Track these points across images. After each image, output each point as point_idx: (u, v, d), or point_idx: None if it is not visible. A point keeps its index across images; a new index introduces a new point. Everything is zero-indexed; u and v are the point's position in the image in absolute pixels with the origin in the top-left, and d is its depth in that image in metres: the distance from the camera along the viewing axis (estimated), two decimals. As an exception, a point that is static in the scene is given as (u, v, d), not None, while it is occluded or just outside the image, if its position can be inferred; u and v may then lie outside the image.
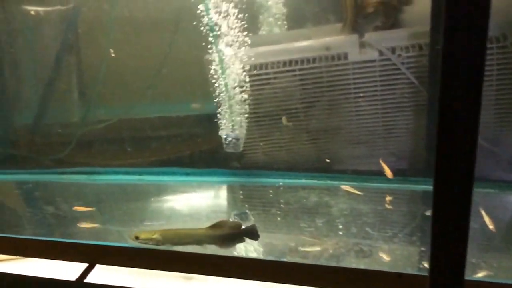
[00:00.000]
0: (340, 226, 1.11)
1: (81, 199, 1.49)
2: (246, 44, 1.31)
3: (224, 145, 1.37)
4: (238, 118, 1.37)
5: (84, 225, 1.30)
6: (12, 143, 1.75)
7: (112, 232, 1.29)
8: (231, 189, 1.49)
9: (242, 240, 1.07)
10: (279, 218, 1.24)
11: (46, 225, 1.35)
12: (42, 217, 1.39)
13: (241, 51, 1.31)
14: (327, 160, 1.36)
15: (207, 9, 1.23)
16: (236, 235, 1.08)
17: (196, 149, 1.53)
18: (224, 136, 1.36)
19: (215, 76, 1.37)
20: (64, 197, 1.52)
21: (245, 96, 1.35)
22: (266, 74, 1.33)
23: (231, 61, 1.32)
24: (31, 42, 1.68)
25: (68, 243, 1.24)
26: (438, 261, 0.58)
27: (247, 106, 1.36)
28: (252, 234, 1.07)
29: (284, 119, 1.35)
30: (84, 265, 1.21)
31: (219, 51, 1.31)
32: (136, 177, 1.54)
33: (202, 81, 1.44)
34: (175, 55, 1.50)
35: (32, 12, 1.60)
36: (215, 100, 1.40)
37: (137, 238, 1.15)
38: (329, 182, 1.35)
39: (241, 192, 1.48)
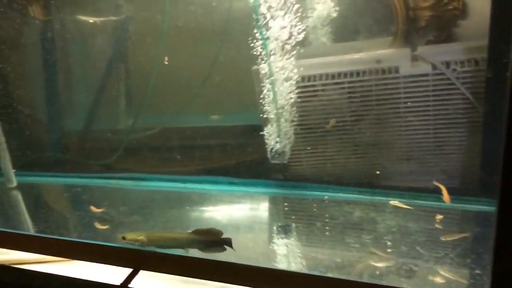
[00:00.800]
0: (388, 243, 1.07)
1: (127, 204, 1.52)
2: (295, 55, 1.30)
3: (270, 156, 1.37)
4: (285, 129, 1.36)
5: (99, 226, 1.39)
6: (62, 147, 1.80)
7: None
8: (274, 201, 1.48)
9: (222, 247, 1.13)
10: (323, 232, 1.22)
11: (93, 229, 1.38)
12: (89, 220, 1.41)
13: (289, 62, 1.31)
14: (377, 172, 1.33)
15: (258, 20, 1.23)
16: (216, 242, 1.15)
17: (241, 159, 1.53)
18: (270, 147, 1.35)
19: (263, 87, 1.37)
20: (111, 201, 1.55)
21: (292, 107, 1.34)
22: (314, 86, 1.32)
23: (280, 72, 1.32)
24: (83, 51, 1.72)
25: (113, 247, 1.26)
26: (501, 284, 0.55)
27: (294, 117, 1.35)
28: (228, 243, 1.13)
29: (331, 122, 1.32)
30: (128, 270, 1.23)
31: (268, 62, 1.31)
32: (181, 185, 1.56)
33: (249, 91, 1.45)
34: (222, 65, 1.51)
35: (85, 22, 1.65)
36: (261, 111, 1.40)
37: (124, 238, 1.23)
38: (376, 197, 1.32)
39: (284, 204, 1.46)
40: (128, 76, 1.71)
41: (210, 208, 1.47)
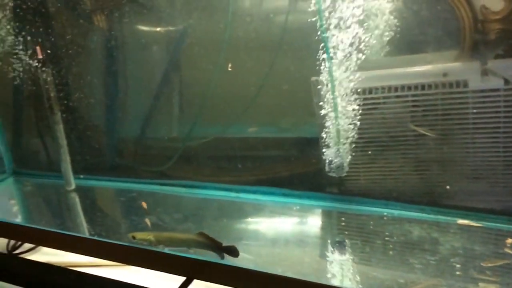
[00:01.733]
0: (454, 266, 1.02)
1: (180, 211, 1.53)
2: (357, 66, 1.27)
3: (327, 169, 1.33)
4: (343, 142, 1.33)
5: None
6: (118, 153, 1.83)
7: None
8: (329, 215, 1.45)
9: (222, 254, 1.21)
10: (382, 251, 1.17)
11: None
12: (144, 226, 1.43)
13: (351, 74, 1.27)
14: (447, 187, 1.27)
15: (323, 30, 1.20)
16: (220, 248, 1.21)
17: (295, 171, 1.50)
18: (328, 160, 1.32)
19: (322, 98, 1.34)
20: (165, 208, 1.56)
21: (352, 119, 1.31)
22: (376, 98, 1.28)
23: (340, 83, 1.29)
24: (140, 60, 1.75)
25: (167, 255, 1.26)
26: None
27: (353, 130, 1.32)
28: (232, 252, 1.20)
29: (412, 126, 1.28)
30: (181, 279, 1.23)
31: (328, 73, 1.28)
32: (234, 194, 1.55)
33: (307, 102, 1.42)
34: (280, 75, 1.49)
35: (144, 31, 1.68)
36: (318, 123, 1.37)
37: (133, 237, 1.31)
38: (439, 217, 1.26)
39: (339, 218, 1.42)
40: (183, 85, 1.72)
41: (262, 219, 1.45)
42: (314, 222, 1.43)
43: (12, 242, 1.94)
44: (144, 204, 1.57)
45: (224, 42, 1.48)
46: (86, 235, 1.43)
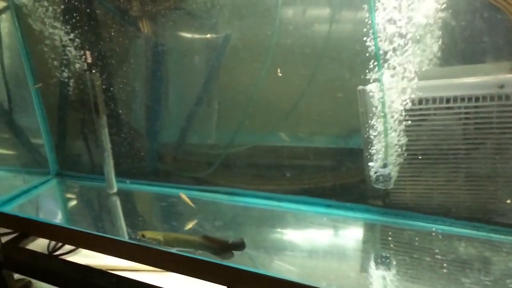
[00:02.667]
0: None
1: (221, 218, 1.52)
2: (407, 76, 1.23)
3: (373, 181, 1.30)
4: (390, 154, 1.29)
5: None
6: (158, 158, 1.84)
7: (252, 257, 1.27)
8: (373, 228, 1.41)
9: (230, 254, 1.24)
10: (431, 268, 1.13)
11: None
12: (185, 232, 1.42)
13: (401, 84, 1.24)
14: (501, 204, 1.21)
15: (375, 38, 1.18)
16: (226, 247, 1.26)
17: (339, 181, 1.47)
18: (375, 171, 1.29)
19: (369, 108, 1.31)
20: (205, 214, 1.55)
21: (400, 131, 1.27)
22: (426, 109, 1.24)
23: (389, 93, 1.25)
24: (182, 66, 1.76)
25: (207, 262, 1.25)
26: None
27: (400, 141, 1.28)
28: (238, 246, 1.25)
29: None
30: (221, 288, 1.22)
31: (377, 82, 1.25)
32: (275, 203, 1.53)
33: (351, 112, 1.40)
34: (324, 84, 1.47)
35: (187, 38, 1.69)
36: (364, 133, 1.34)
37: (143, 236, 1.35)
38: (492, 235, 1.21)
39: (384, 232, 1.38)
40: (223, 92, 1.72)
41: (304, 229, 1.43)
42: (357, 235, 1.39)
43: (53, 243, 1.97)
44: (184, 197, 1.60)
45: (269, 49, 1.47)
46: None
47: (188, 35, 1.70)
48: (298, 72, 1.51)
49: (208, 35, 1.66)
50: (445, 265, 1.14)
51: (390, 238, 1.33)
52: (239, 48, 1.60)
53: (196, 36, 1.69)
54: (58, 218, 1.70)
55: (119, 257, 1.45)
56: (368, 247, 1.32)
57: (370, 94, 1.31)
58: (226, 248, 1.26)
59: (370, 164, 1.33)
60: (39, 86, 1.77)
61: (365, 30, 1.25)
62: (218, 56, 1.67)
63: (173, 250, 1.34)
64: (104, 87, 1.70)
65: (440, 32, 1.26)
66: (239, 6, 1.55)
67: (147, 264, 1.42)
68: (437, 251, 1.20)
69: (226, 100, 1.71)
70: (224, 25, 1.61)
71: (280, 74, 1.48)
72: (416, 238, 1.29)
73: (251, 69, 1.59)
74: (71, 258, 1.84)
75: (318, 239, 1.37)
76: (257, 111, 1.61)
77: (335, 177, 1.51)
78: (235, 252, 1.24)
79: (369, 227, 1.41)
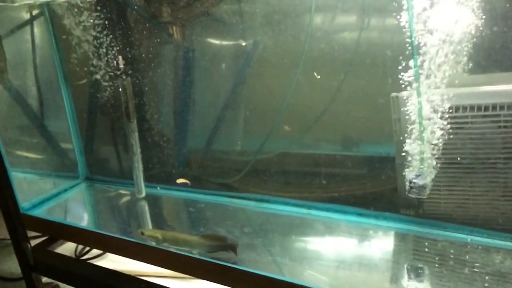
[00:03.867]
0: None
1: (249, 225, 1.50)
2: (443, 83, 1.20)
3: (407, 190, 1.27)
4: (424, 162, 1.26)
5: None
6: (186, 164, 1.84)
7: (282, 265, 1.26)
8: (404, 238, 1.38)
9: (226, 252, 1.31)
10: (468, 281, 1.09)
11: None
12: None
13: (437, 91, 1.21)
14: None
15: (412, 44, 1.15)
16: (221, 246, 1.32)
17: (369, 190, 1.44)
18: (409, 180, 1.26)
19: (402, 115, 1.28)
20: (234, 221, 1.54)
21: (435, 139, 1.24)
22: (463, 117, 1.21)
23: (424, 100, 1.23)
24: (209, 72, 1.76)
25: (238, 270, 1.24)
26: None
27: (436, 149, 1.25)
28: (233, 247, 1.31)
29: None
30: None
31: (412, 89, 1.22)
32: (305, 210, 1.51)
33: (383, 120, 1.37)
34: (354, 92, 1.45)
35: (216, 45, 1.69)
36: (397, 140, 1.32)
37: (142, 233, 1.43)
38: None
39: (417, 243, 1.35)
40: (251, 99, 1.71)
41: (334, 238, 1.40)
42: (390, 245, 1.36)
43: (80, 247, 1.99)
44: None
45: (301, 56, 1.46)
46: (154, 244, 1.43)
47: (217, 42, 1.70)
48: (328, 78, 1.50)
49: (237, 42, 1.66)
50: (483, 278, 1.10)
51: (424, 249, 1.29)
52: (269, 55, 1.60)
53: (225, 42, 1.69)
54: (86, 222, 1.71)
55: (147, 263, 1.45)
56: (401, 258, 1.28)
57: (404, 101, 1.29)
58: (223, 248, 1.32)
59: (404, 172, 1.31)
60: (83, 83, 1.79)
61: (400, 36, 1.23)
62: (246, 63, 1.67)
63: (171, 248, 1.38)
64: (134, 92, 1.71)
65: (479, 38, 1.23)
66: (269, 13, 1.55)
67: (175, 270, 1.41)
68: (473, 263, 1.16)
69: (255, 107, 1.70)
70: (254, 31, 1.60)
71: (318, 77, 1.46)
72: (451, 250, 1.25)
73: (280, 75, 1.58)
74: (98, 262, 1.86)
75: (349, 249, 1.34)
76: (285, 118, 1.60)
77: (366, 186, 1.49)
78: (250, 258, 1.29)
79: (402, 237, 1.38)
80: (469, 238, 1.27)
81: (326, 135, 1.58)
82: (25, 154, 1.87)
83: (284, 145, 1.64)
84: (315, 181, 1.57)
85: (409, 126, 1.28)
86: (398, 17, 1.20)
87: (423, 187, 1.26)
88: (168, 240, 1.39)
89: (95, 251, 1.95)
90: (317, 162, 1.60)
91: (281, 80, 1.58)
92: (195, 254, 1.33)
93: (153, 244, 1.40)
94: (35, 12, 1.81)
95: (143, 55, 1.76)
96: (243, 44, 1.65)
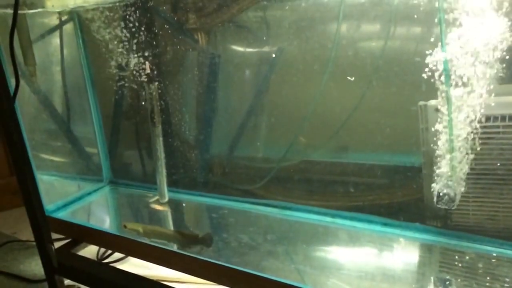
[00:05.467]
0: None
1: (272, 232, 1.49)
2: (473, 92, 1.18)
3: (436, 200, 1.24)
4: (453, 173, 1.23)
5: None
6: (209, 170, 1.84)
7: (306, 274, 1.24)
8: (430, 249, 1.35)
9: (200, 247, 1.41)
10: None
11: (240, 254, 1.36)
12: (237, 245, 1.40)
13: (467, 100, 1.18)
14: None
15: (443, 51, 1.13)
16: (194, 241, 1.42)
17: (395, 199, 1.42)
18: (438, 191, 1.23)
19: (430, 124, 1.25)
20: (257, 227, 1.53)
21: (464, 149, 1.21)
22: (494, 127, 1.18)
23: (453, 110, 1.20)
24: (233, 79, 1.76)
25: (260, 277, 1.22)
26: None
27: (465, 160, 1.22)
28: (206, 241, 1.42)
29: None
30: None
31: (442, 98, 1.20)
32: (329, 219, 1.49)
33: (409, 129, 1.35)
34: (380, 99, 1.43)
35: (240, 51, 1.69)
36: (424, 150, 1.29)
37: (125, 226, 1.51)
38: None
39: (443, 255, 1.32)
40: (274, 106, 1.70)
41: (359, 247, 1.38)
42: (416, 256, 1.33)
43: (102, 250, 1.99)
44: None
45: (327, 63, 1.45)
46: (177, 249, 1.42)
47: (241, 48, 1.70)
48: (354, 86, 1.48)
49: (261, 49, 1.66)
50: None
51: (451, 261, 1.26)
52: (293, 62, 1.59)
53: (249, 49, 1.69)
54: (109, 226, 1.71)
55: (169, 268, 1.45)
56: (427, 270, 1.26)
57: (433, 110, 1.27)
58: (195, 242, 1.42)
59: (431, 183, 1.28)
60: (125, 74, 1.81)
61: (429, 43, 1.21)
62: (271, 69, 1.66)
63: (148, 241, 1.47)
64: (159, 97, 1.72)
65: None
66: (295, 20, 1.54)
67: (198, 276, 1.40)
68: (505, 278, 1.13)
69: (278, 114, 1.69)
70: (278, 38, 1.60)
71: (352, 78, 1.44)
72: (480, 263, 1.22)
73: (304, 82, 1.57)
74: (120, 266, 1.86)
75: (373, 259, 1.32)
76: (309, 125, 1.59)
77: (391, 195, 1.46)
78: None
79: (428, 248, 1.35)
80: (499, 251, 1.24)
81: (350, 143, 1.56)
82: (51, 157, 1.89)
83: (307, 153, 1.63)
84: (339, 189, 1.55)
85: (437, 135, 1.26)
86: (428, 24, 1.19)
87: (452, 198, 1.24)
88: (148, 233, 1.48)
89: (117, 255, 1.95)
90: (341, 170, 1.58)
91: (306, 87, 1.58)
92: (172, 247, 1.43)
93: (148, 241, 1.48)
94: (64, 18, 1.83)
95: (169, 61, 1.77)
96: (268, 50, 1.65)
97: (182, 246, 1.42)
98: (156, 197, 1.81)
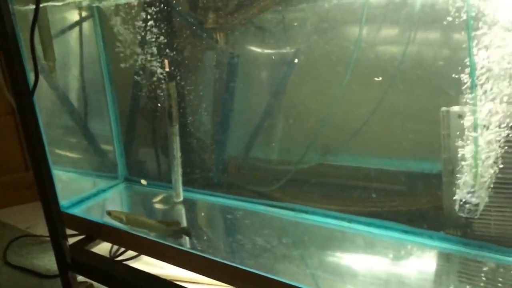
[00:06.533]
0: None
1: (288, 236, 1.47)
2: (498, 99, 1.15)
3: (458, 209, 1.21)
4: (475, 181, 1.20)
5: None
6: (225, 170, 1.82)
7: (322, 280, 1.22)
8: (449, 258, 1.32)
9: (180, 236, 1.48)
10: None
11: (255, 256, 1.34)
12: (252, 247, 1.38)
13: (490, 106, 1.15)
14: None
15: (470, 56, 1.10)
16: (175, 231, 1.47)
17: (414, 207, 1.39)
18: (461, 199, 1.20)
19: (453, 131, 1.23)
20: (272, 230, 1.51)
21: (487, 157, 1.18)
22: (518, 135, 1.15)
23: (476, 116, 1.17)
24: (249, 80, 1.75)
25: (271, 279, 1.20)
26: None
27: (487, 168, 1.19)
28: (186, 232, 1.49)
29: None
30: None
31: (465, 104, 1.17)
32: (345, 224, 1.47)
33: (429, 135, 1.32)
34: (399, 104, 1.40)
35: (258, 53, 1.68)
36: (445, 157, 1.26)
37: (109, 214, 1.57)
38: None
39: (464, 265, 1.29)
40: (291, 108, 1.68)
41: (376, 254, 1.35)
42: (434, 265, 1.30)
43: (115, 248, 1.99)
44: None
45: (347, 66, 1.42)
46: (189, 249, 1.41)
47: (259, 49, 1.69)
48: (372, 91, 1.46)
49: (278, 50, 1.64)
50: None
51: (470, 271, 1.23)
52: (312, 64, 1.57)
53: (266, 50, 1.68)
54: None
55: (182, 268, 1.44)
56: (446, 280, 1.23)
57: (455, 116, 1.24)
58: (176, 232, 1.47)
59: (452, 191, 1.25)
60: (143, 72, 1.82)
61: (454, 49, 1.19)
62: (289, 71, 1.65)
63: (128, 228, 1.54)
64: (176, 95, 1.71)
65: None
66: (313, 22, 1.52)
67: (212, 277, 1.39)
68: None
69: (295, 116, 1.67)
70: (297, 40, 1.58)
71: (380, 78, 1.42)
72: (501, 274, 1.19)
73: (323, 85, 1.55)
74: (132, 264, 1.85)
75: (391, 266, 1.29)
76: (327, 128, 1.57)
77: (409, 202, 1.44)
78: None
79: (447, 257, 1.32)
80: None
81: (367, 148, 1.54)
82: (67, 153, 1.89)
83: (324, 156, 1.61)
84: (356, 194, 1.53)
85: (459, 142, 1.23)
86: (455, 29, 1.16)
87: (475, 206, 1.21)
88: (130, 221, 1.54)
89: (130, 253, 1.95)
90: (357, 175, 1.56)
91: (324, 90, 1.56)
92: (153, 236, 1.49)
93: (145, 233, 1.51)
94: (84, 13, 1.83)
95: (188, 60, 1.76)
96: (284, 52, 1.63)
97: (163, 235, 1.48)
98: (163, 195, 1.84)
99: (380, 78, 1.41)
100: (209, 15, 1.70)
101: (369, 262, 1.33)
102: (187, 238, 1.48)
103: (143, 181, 1.93)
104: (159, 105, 1.78)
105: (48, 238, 1.67)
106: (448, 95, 1.27)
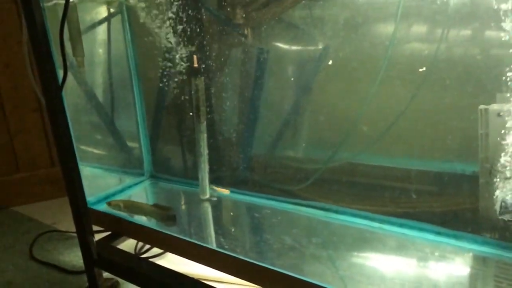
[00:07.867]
0: None
1: (317, 236, 1.45)
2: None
3: (499, 211, 1.17)
4: (516, 182, 1.16)
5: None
6: (251, 168, 1.80)
7: (350, 281, 1.19)
8: (486, 262, 1.27)
9: (171, 222, 1.55)
10: None
11: (283, 256, 1.32)
12: (281, 246, 1.36)
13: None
14: None
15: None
16: (170, 216, 1.55)
17: (449, 208, 1.35)
18: (502, 201, 1.15)
19: (491, 130, 1.18)
20: (300, 229, 1.49)
21: (528, 157, 1.13)
22: None
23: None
24: (277, 77, 1.72)
25: (299, 280, 1.18)
26: None
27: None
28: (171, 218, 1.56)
29: None
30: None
31: (506, 102, 1.12)
32: (376, 224, 1.43)
33: (464, 134, 1.28)
34: (433, 102, 1.36)
35: (285, 50, 1.65)
36: (483, 156, 1.22)
37: (109, 204, 1.64)
38: None
39: (499, 268, 1.24)
40: (320, 106, 1.65)
41: (409, 257, 1.32)
42: (469, 268, 1.25)
43: (140, 244, 1.99)
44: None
45: (380, 63, 1.39)
46: (216, 247, 1.39)
47: (286, 46, 1.66)
48: (404, 88, 1.42)
49: (307, 47, 1.61)
50: None
51: (496, 274, 1.18)
52: (342, 61, 1.54)
53: (294, 47, 1.65)
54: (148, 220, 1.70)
55: (208, 266, 1.42)
56: (482, 284, 1.18)
57: (495, 114, 1.19)
58: (170, 217, 1.54)
59: (489, 191, 1.21)
60: (171, 68, 1.82)
61: (493, 46, 1.14)
62: (318, 68, 1.61)
63: (125, 214, 1.63)
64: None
65: None
66: (343, 19, 1.49)
67: (238, 277, 1.37)
68: None
69: (324, 114, 1.64)
70: (327, 36, 1.55)
71: (424, 69, 1.37)
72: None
73: (353, 83, 1.52)
74: (157, 261, 1.84)
75: (423, 269, 1.25)
76: (356, 127, 1.53)
77: (443, 203, 1.39)
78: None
79: (484, 261, 1.27)
80: None
81: (399, 147, 1.50)
82: (94, 149, 1.90)
83: (354, 155, 1.57)
84: (387, 194, 1.49)
85: (497, 142, 1.19)
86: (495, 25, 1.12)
87: (514, 208, 1.16)
88: (128, 207, 1.62)
89: (155, 250, 1.94)
90: (388, 175, 1.52)
91: (354, 87, 1.52)
92: (149, 222, 1.58)
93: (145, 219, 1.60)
94: (112, 9, 1.84)
95: (216, 56, 1.75)
96: (312, 49, 1.60)
97: (158, 220, 1.56)
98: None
99: (424, 68, 1.37)
100: (237, 11, 1.68)
101: (400, 264, 1.30)
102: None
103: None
104: (186, 101, 1.77)
105: (74, 234, 1.68)
106: (487, 92, 1.23)
